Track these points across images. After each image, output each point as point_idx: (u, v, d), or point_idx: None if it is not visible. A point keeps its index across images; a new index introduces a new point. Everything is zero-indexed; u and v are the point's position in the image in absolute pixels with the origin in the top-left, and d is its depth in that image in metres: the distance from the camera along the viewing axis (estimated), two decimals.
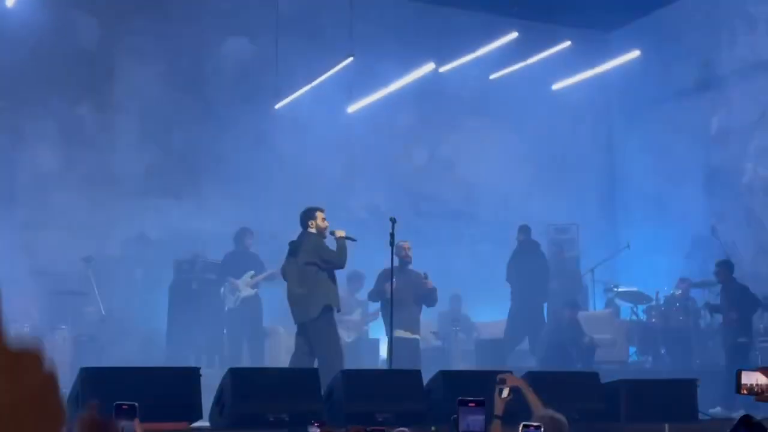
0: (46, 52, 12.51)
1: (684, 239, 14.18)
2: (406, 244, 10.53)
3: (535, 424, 3.08)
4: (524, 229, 12.71)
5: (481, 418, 2.67)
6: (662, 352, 13.06)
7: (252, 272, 12.11)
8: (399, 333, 10.06)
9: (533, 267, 12.45)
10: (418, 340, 10.54)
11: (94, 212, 12.39)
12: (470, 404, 2.60)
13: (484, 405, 2.61)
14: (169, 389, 6.25)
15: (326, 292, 8.81)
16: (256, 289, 12.12)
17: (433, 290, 10.48)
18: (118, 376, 6.21)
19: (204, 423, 6.56)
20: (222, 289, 12.14)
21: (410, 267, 10.60)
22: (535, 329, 12.40)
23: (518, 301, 12.44)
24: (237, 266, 12.16)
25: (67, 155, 12.48)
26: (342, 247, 8.87)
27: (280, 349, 12.59)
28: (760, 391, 2.44)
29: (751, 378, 2.46)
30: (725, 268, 11.64)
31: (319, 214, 9.00)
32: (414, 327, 10.45)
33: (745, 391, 2.47)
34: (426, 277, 10.48)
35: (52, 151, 12.22)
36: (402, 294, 10.07)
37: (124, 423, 3.08)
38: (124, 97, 13.07)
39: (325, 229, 8.97)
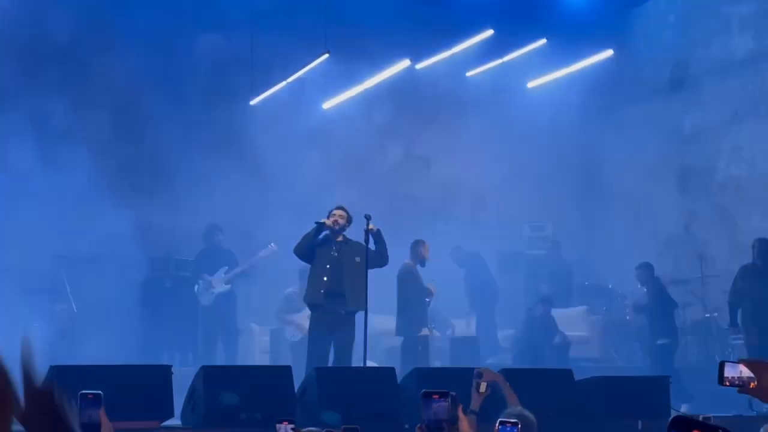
0: (18, 47, 12.36)
1: (657, 237, 14.24)
2: (427, 245, 10.98)
3: (512, 420, 3.07)
4: None
5: (444, 404, 2.68)
6: (635, 348, 13.14)
7: (226, 268, 12.06)
8: (425, 331, 10.61)
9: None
10: None
11: (65, 209, 12.25)
12: (434, 396, 2.61)
13: (448, 396, 2.61)
14: (141, 387, 6.20)
15: (306, 289, 8.96)
16: (229, 285, 12.06)
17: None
18: (89, 373, 6.14)
19: (176, 421, 6.52)
20: (196, 287, 12.07)
21: None
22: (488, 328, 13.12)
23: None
24: (210, 263, 12.10)
25: (39, 151, 12.32)
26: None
27: (254, 348, 12.55)
28: (741, 383, 2.45)
29: (735, 370, 2.46)
30: (646, 269, 11.80)
31: (335, 213, 9.04)
32: None
33: (727, 383, 2.48)
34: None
35: (24, 146, 12.06)
36: (424, 291, 10.61)
37: (89, 412, 3.04)
38: (97, 93, 12.93)
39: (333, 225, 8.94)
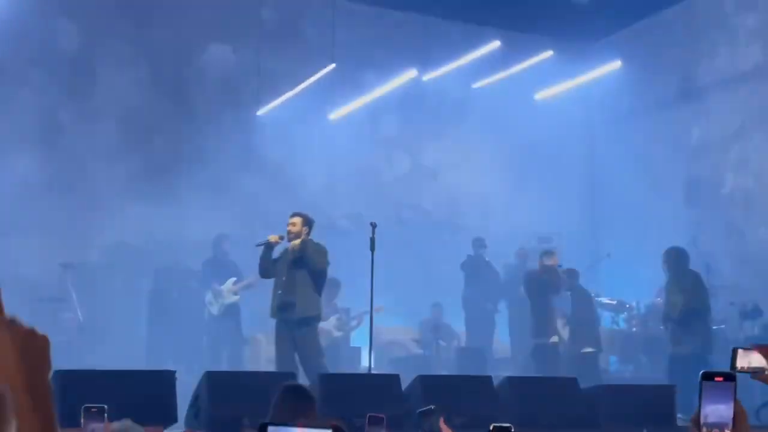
0: (26, 57, 12.44)
1: (664, 249, 14.16)
2: (554, 257, 11.41)
3: (505, 425, 3.00)
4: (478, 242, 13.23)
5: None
6: (643, 360, 13.07)
7: (234, 279, 12.05)
8: (554, 339, 11.07)
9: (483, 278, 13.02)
10: None
11: (73, 219, 12.29)
12: (716, 378, 2.33)
13: (734, 380, 2.31)
14: (144, 392, 6.20)
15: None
16: (237, 296, 12.05)
17: None
18: (93, 379, 6.15)
19: (179, 427, 6.51)
20: (207, 296, 12.04)
21: None
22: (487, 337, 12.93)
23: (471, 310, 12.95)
24: (217, 272, 12.09)
25: (47, 161, 12.38)
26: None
27: (260, 358, 12.52)
28: (754, 370, 2.46)
29: (747, 357, 2.47)
30: (573, 276, 11.90)
31: (289, 222, 9.00)
32: None
33: (740, 370, 2.48)
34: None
35: (33, 156, 12.12)
36: (548, 298, 11.09)
37: (93, 426, 3.06)
38: (105, 103, 12.99)
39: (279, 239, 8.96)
